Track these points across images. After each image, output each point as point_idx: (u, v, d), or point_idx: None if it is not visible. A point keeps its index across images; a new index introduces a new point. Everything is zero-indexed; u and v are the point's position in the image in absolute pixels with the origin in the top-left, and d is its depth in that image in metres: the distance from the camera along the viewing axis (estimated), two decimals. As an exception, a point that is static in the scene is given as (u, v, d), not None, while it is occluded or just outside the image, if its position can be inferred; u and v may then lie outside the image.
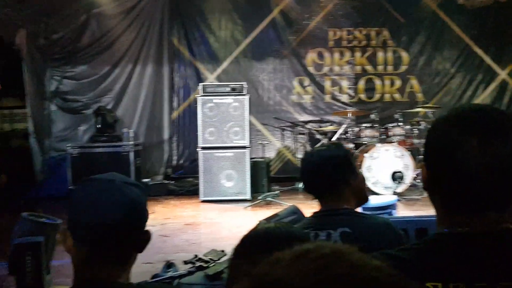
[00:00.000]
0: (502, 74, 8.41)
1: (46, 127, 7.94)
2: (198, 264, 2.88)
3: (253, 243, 1.13)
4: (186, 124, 8.29)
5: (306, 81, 8.37)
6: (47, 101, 7.98)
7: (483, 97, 8.42)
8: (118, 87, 8.11)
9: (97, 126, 7.59)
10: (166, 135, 8.27)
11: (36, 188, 7.42)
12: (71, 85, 8.08)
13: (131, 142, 7.30)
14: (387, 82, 8.44)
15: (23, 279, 2.47)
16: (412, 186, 6.46)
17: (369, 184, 6.05)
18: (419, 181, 6.33)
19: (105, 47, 8.02)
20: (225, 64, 8.30)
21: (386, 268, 0.49)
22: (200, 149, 6.70)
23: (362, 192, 1.93)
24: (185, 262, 3.01)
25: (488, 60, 8.38)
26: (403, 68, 8.43)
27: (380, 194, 5.96)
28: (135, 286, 1.20)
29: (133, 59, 8.10)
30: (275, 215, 3.14)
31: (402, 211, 5.26)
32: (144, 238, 1.22)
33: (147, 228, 1.24)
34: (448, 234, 1.00)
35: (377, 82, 8.42)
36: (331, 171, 1.82)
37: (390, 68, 8.43)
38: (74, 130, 7.92)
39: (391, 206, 3.79)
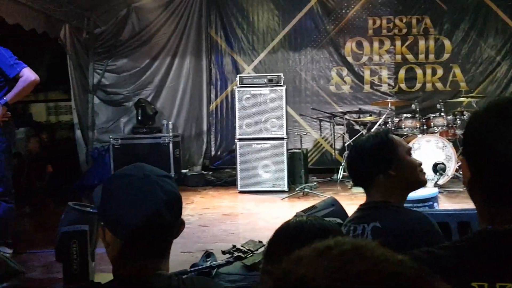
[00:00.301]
0: (551, 62, 8.02)
1: (90, 119, 8.19)
2: (236, 254, 2.92)
3: (286, 236, 1.14)
4: (224, 116, 8.35)
5: (345, 71, 8.25)
6: (90, 94, 8.23)
7: (531, 86, 8.06)
8: (157, 80, 8.26)
9: (138, 118, 7.77)
10: (204, 126, 8.37)
11: (81, 178, 7.69)
12: (113, 78, 8.30)
13: (171, 134, 7.43)
14: (429, 71, 8.20)
15: (69, 266, 2.57)
16: (454, 178, 6.28)
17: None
18: (461, 172, 6.14)
19: (145, 41, 8.17)
20: (262, 55, 8.29)
21: (409, 263, 0.47)
22: (237, 140, 6.74)
23: (409, 180, 1.79)
24: (224, 252, 3.06)
25: (536, 47, 8.01)
26: (446, 56, 8.16)
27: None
28: (174, 278, 1.22)
29: (172, 52, 8.22)
30: (313, 206, 3.14)
31: (444, 204, 5.13)
32: (180, 227, 1.26)
33: (185, 217, 1.27)
34: (492, 231, 0.97)
35: (418, 71, 8.20)
36: (364, 164, 1.78)
37: (431, 56, 8.18)
38: (116, 122, 8.14)
39: (432, 199, 3.70)
